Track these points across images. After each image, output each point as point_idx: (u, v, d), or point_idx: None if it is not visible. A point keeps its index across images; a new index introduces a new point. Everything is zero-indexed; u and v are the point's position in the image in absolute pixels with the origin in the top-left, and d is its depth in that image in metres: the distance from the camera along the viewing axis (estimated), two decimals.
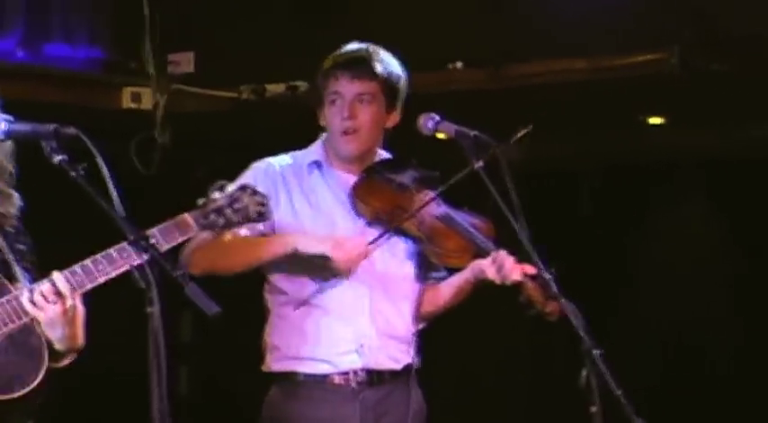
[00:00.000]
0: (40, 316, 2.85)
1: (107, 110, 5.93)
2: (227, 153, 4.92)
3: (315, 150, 3.75)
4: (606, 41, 5.17)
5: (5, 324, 2.84)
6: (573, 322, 3.17)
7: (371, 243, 3.58)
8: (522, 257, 3.48)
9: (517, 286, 3.51)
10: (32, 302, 2.84)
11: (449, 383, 6.36)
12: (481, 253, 3.60)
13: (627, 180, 7.05)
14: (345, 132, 3.65)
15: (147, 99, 5.96)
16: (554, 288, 3.27)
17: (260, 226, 3.04)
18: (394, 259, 3.71)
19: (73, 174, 2.73)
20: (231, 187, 2.96)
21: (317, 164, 3.72)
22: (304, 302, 3.64)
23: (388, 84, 3.67)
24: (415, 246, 3.70)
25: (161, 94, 5.94)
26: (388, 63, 3.68)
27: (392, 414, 3.67)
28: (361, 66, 3.64)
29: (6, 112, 2.90)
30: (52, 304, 2.84)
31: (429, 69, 5.39)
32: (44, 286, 2.85)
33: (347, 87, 3.64)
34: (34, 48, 5.74)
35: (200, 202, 2.93)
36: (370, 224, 3.66)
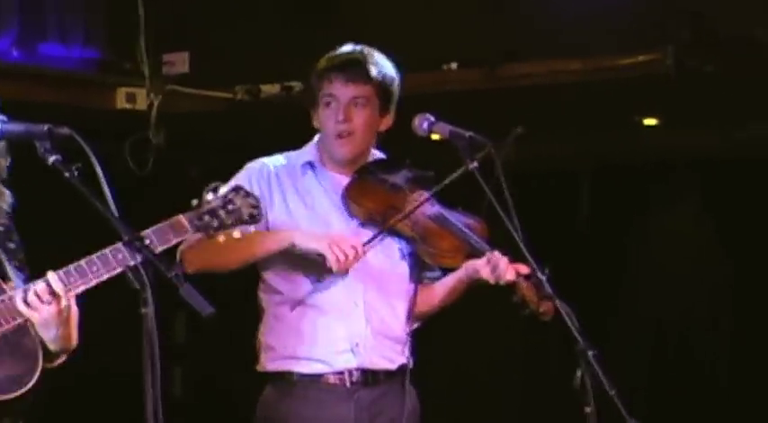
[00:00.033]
0: (35, 316, 2.84)
1: (101, 110, 5.92)
2: (222, 153, 4.92)
3: (308, 151, 3.75)
4: (601, 42, 5.17)
5: (0, 325, 2.84)
6: (567, 323, 3.18)
7: (366, 244, 3.58)
8: (515, 257, 3.48)
9: (511, 286, 3.51)
10: (26, 303, 2.83)
11: (443, 383, 6.36)
12: (475, 253, 3.60)
13: (621, 180, 7.05)
14: (340, 135, 3.65)
15: (142, 99, 5.96)
16: (547, 288, 3.28)
17: (251, 228, 3.05)
18: (388, 259, 3.71)
19: (67, 174, 2.73)
20: (224, 189, 2.96)
21: (311, 164, 3.72)
22: (299, 302, 3.64)
23: (382, 87, 3.67)
24: (408, 246, 3.71)
25: (155, 95, 5.94)
26: (382, 66, 3.68)
27: (387, 414, 3.67)
28: (357, 69, 3.64)
29: (0, 112, 2.90)
30: (47, 304, 2.83)
31: (424, 70, 5.39)
32: (39, 286, 2.84)
33: (342, 90, 3.64)
34: (29, 48, 5.73)
35: (194, 203, 2.94)
36: (363, 225, 3.66)
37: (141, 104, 5.96)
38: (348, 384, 3.63)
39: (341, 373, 3.63)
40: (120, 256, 2.80)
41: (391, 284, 3.70)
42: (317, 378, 3.63)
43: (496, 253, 3.54)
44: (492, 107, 5.29)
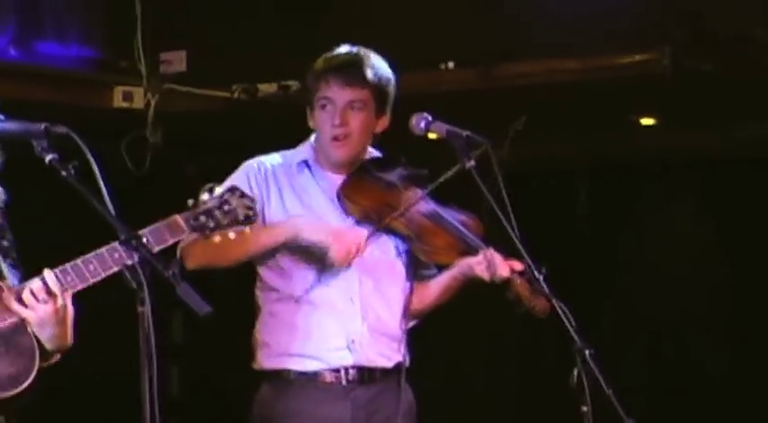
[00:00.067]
0: (30, 315, 2.84)
1: (98, 109, 5.92)
2: (219, 152, 4.92)
3: (304, 150, 3.76)
4: (598, 42, 5.17)
5: None
6: (565, 322, 3.18)
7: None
8: (510, 255, 3.49)
9: (505, 283, 3.52)
10: (21, 301, 2.83)
11: (439, 382, 6.37)
12: (469, 250, 3.61)
13: (619, 180, 7.05)
14: (336, 139, 3.66)
15: (139, 98, 5.96)
16: (542, 285, 3.28)
17: (246, 228, 3.06)
18: (384, 257, 3.71)
19: (64, 173, 2.73)
20: (220, 189, 2.96)
21: (306, 163, 3.73)
22: (295, 299, 3.64)
23: (378, 90, 3.67)
24: (404, 243, 3.71)
25: (153, 94, 5.94)
26: (378, 68, 3.68)
27: (383, 412, 3.68)
28: (353, 72, 3.63)
29: None
30: (42, 303, 2.83)
31: (420, 69, 5.39)
32: (35, 285, 2.84)
33: (338, 94, 3.64)
34: (26, 46, 5.73)
35: (190, 203, 2.94)
36: (358, 223, 3.67)
37: (138, 103, 5.96)
38: (344, 382, 3.63)
39: (337, 370, 3.63)
40: (116, 255, 2.80)
41: (387, 282, 3.71)
42: (312, 376, 3.63)
43: (491, 250, 3.54)
44: (488, 107, 5.28)
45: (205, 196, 2.95)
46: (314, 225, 3.59)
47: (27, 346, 2.88)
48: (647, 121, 6.35)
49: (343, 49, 3.72)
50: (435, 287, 3.76)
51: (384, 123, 3.73)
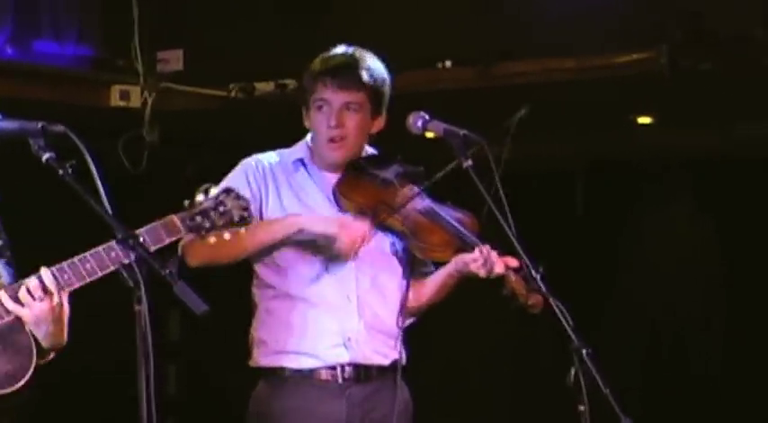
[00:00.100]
0: (26, 313, 2.84)
1: (95, 108, 5.92)
2: (216, 151, 4.93)
3: (299, 149, 3.76)
4: (595, 41, 5.17)
5: None
6: (561, 321, 3.18)
7: None
8: (507, 253, 3.49)
9: (500, 279, 3.52)
10: (17, 299, 2.83)
11: (435, 380, 6.37)
12: (465, 247, 3.61)
13: (616, 179, 7.06)
14: (332, 140, 3.66)
15: (136, 97, 5.95)
16: (538, 281, 3.28)
17: (242, 229, 3.07)
18: (380, 254, 3.71)
19: (61, 171, 2.73)
20: (216, 190, 2.97)
21: (302, 161, 3.73)
22: (291, 296, 3.65)
23: (374, 91, 3.67)
24: (400, 241, 3.71)
25: (150, 92, 5.94)
26: (374, 70, 3.69)
27: (379, 410, 3.68)
28: (349, 74, 3.64)
29: None
30: (38, 301, 2.83)
31: (418, 68, 5.39)
32: (31, 283, 2.84)
33: (334, 96, 3.64)
34: (23, 45, 5.73)
35: (186, 204, 2.94)
36: (354, 220, 3.66)
37: (135, 102, 5.95)
38: (340, 380, 3.63)
39: (333, 367, 3.63)
40: (113, 254, 2.80)
41: (384, 279, 3.71)
42: (308, 373, 3.63)
43: (487, 246, 3.55)
44: (486, 106, 5.29)
45: (201, 197, 2.95)
46: (315, 218, 3.60)
47: (24, 343, 2.88)
48: (644, 120, 6.35)
49: (340, 49, 3.72)
50: (431, 284, 3.76)
51: (380, 124, 3.74)
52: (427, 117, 3.55)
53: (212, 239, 2.97)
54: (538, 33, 5.27)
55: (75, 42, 5.88)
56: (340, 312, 3.65)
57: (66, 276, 2.84)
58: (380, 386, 3.69)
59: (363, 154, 3.77)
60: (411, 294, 3.74)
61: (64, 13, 5.86)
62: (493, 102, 5.48)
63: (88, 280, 2.84)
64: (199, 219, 2.93)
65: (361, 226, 3.57)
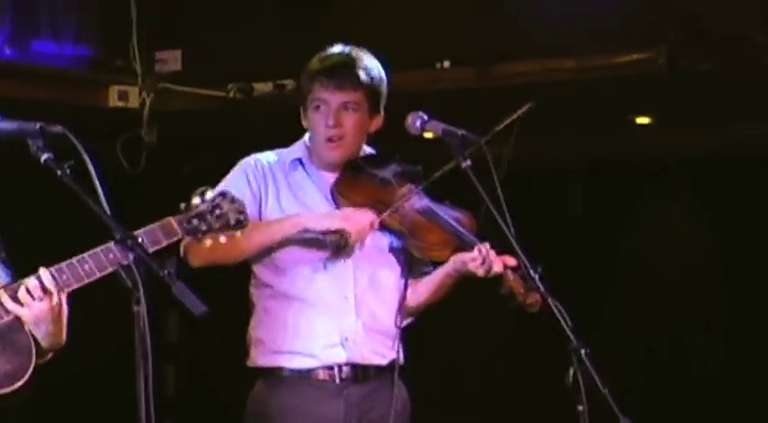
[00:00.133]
0: (26, 313, 2.85)
1: (94, 108, 5.92)
2: (215, 152, 4.93)
3: (297, 149, 3.76)
4: (594, 41, 5.17)
5: None
6: (560, 321, 3.18)
7: None
8: (504, 251, 3.49)
9: (498, 278, 3.52)
10: (17, 299, 2.83)
11: (433, 380, 6.36)
12: (463, 246, 3.61)
13: (614, 179, 7.06)
14: (330, 140, 3.66)
15: (134, 97, 5.95)
16: (537, 282, 3.29)
17: (238, 233, 3.07)
18: (378, 253, 3.71)
19: (59, 172, 2.73)
20: (212, 193, 2.97)
21: (300, 161, 3.73)
22: (289, 296, 3.64)
23: (371, 90, 3.67)
24: (398, 240, 3.71)
25: (148, 93, 5.94)
26: (371, 69, 3.69)
27: (377, 410, 3.67)
28: (346, 74, 3.64)
29: None
30: (38, 301, 2.84)
31: (417, 68, 5.39)
32: (30, 283, 2.85)
33: (332, 96, 3.65)
34: (21, 45, 5.73)
35: (183, 207, 2.94)
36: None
37: (134, 102, 5.95)
38: (338, 380, 3.63)
39: (330, 367, 3.63)
40: (111, 255, 2.80)
41: (382, 278, 3.71)
42: (306, 373, 3.62)
43: (486, 245, 3.54)
44: (485, 106, 5.28)
45: (197, 200, 2.96)
46: (317, 216, 3.60)
47: (24, 343, 2.89)
48: (642, 120, 6.35)
49: (336, 49, 3.72)
50: (430, 284, 3.75)
51: (378, 123, 3.74)
52: (426, 117, 3.55)
53: (208, 242, 2.98)
54: (537, 33, 5.27)
55: (73, 43, 5.88)
56: (337, 312, 3.65)
57: (64, 277, 2.84)
58: (378, 386, 3.68)
59: (361, 153, 3.77)
60: (409, 294, 3.74)
61: (62, 14, 5.86)
62: (492, 102, 5.48)
63: (86, 281, 2.85)
64: (195, 221, 2.94)
65: (365, 214, 3.57)
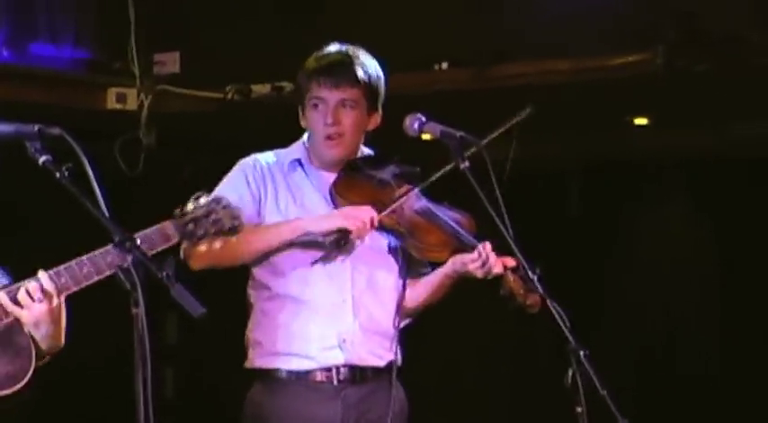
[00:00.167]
0: (25, 314, 2.85)
1: (92, 110, 5.92)
2: (213, 153, 4.92)
3: (296, 150, 3.76)
4: (591, 42, 5.17)
5: None
6: (559, 322, 3.18)
7: None
8: (503, 252, 3.50)
9: (498, 280, 3.52)
10: (17, 301, 2.84)
11: (432, 381, 6.37)
12: (462, 247, 3.61)
13: (611, 180, 7.06)
14: (329, 138, 3.66)
15: (133, 99, 5.96)
16: (536, 284, 3.29)
17: (233, 238, 3.09)
18: (376, 254, 3.71)
19: (58, 174, 2.73)
20: (207, 199, 2.98)
21: (299, 162, 3.73)
22: (287, 297, 3.64)
23: (369, 88, 3.68)
24: (397, 240, 3.71)
25: (146, 95, 5.94)
26: (368, 66, 3.69)
27: (374, 412, 3.67)
28: (344, 72, 3.64)
29: None
30: (38, 302, 2.84)
31: (414, 70, 5.39)
32: (30, 285, 2.85)
33: (330, 94, 3.65)
34: (19, 47, 5.73)
35: (177, 212, 2.95)
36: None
37: (132, 104, 5.96)
38: (335, 382, 3.63)
39: (328, 369, 3.63)
40: (109, 258, 2.80)
41: (379, 279, 3.71)
42: (304, 375, 3.63)
43: (487, 245, 3.54)
44: (482, 107, 5.29)
45: (191, 205, 2.97)
46: (317, 218, 3.61)
47: (23, 345, 2.89)
48: (640, 121, 6.36)
49: (333, 47, 3.72)
50: (428, 285, 3.75)
51: (376, 120, 3.74)
52: (423, 119, 3.55)
53: (203, 248, 3.00)
54: (534, 35, 5.27)
55: (71, 45, 5.88)
56: (335, 314, 3.65)
57: (63, 280, 2.85)
58: (376, 387, 3.68)
59: (360, 154, 3.77)
60: (407, 294, 3.74)
61: (60, 16, 5.86)
62: (489, 103, 5.48)
63: (85, 284, 2.85)
64: (191, 226, 2.95)
65: (365, 210, 3.57)
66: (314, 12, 5.62)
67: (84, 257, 2.84)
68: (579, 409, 3.12)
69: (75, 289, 2.86)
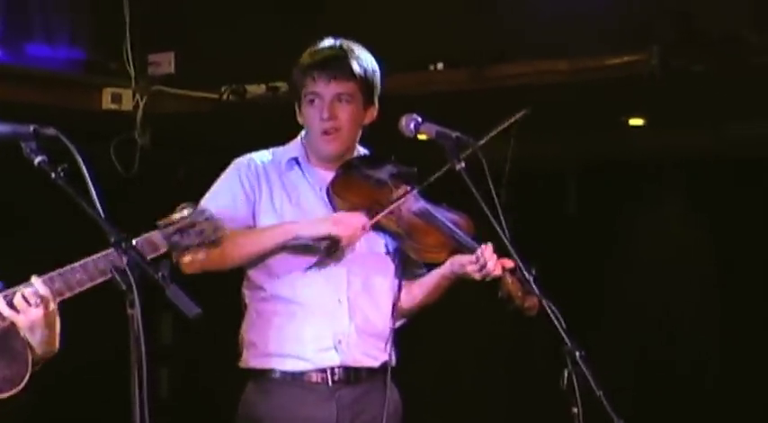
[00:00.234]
0: (21, 319, 2.85)
1: (87, 111, 5.92)
2: (208, 154, 4.91)
3: (293, 148, 3.75)
4: (587, 42, 5.17)
5: None
6: (555, 323, 3.18)
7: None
8: (500, 254, 3.49)
9: (496, 282, 3.51)
10: (12, 306, 2.83)
11: (428, 382, 6.36)
12: (460, 249, 3.60)
13: (610, 180, 7.06)
14: (326, 132, 3.65)
15: (128, 100, 5.95)
16: (532, 284, 3.28)
17: (217, 250, 3.09)
18: (373, 255, 3.70)
19: (53, 175, 2.73)
20: (189, 210, 2.99)
21: (296, 161, 3.72)
22: (282, 298, 3.64)
23: (365, 81, 3.67)
24: (394, 241, 3.70)
25: (141, 95, 5.94)
26: (363, 60, 3.68)
27: (369, 412, 3.66)
28: (339, 66, 3.63)
29: None
30: (34, 307, 2.84)
31: (410, 70, 5.39)
32: (26, 290, 2.85)
33: (325, 88, 3.64)
34: (14, 48, 5.72)
35: (161, 223, 2.95)
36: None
37: (127, 105, 5.95)
38: (330, 383, 3.62)
39: (323, 370, 3.62)
40: (102, 265, 2.81)
41: (375, 280, 3.70)
42: (299, 375, 3.62)
43: (489, 247, 3.53)
44: (479, 108, 5.28)
45: (176, 216, 2.97)
46: (307, 222, 3.59)
47: (20, 349, 2.90)
48: (635, 122, 6.36)
49: (327, 42, 3.71)
50: (424, 286, 3.75)
51: (372, 114, 3.73)
52: (419, 119, 3.54)
53: (187, 258, 3.01)
54: (530, 35, 5.27)
55: (66, 45, 5.88)
56: (331, 315, 3.64)
57: (56, 285, 2.85)
58: (370, 388, 3.68)
59: (356, 154, 3.76)
60: (403, 295, 3.73)
61: (55, 16, 5.85)
62: (486, 104, 5.48)
63: (78, 290, 2.86)
64: (176, 237, 2.95)
65: (356, 217, 3.56)
66: (309, 12, 5.62)
67: (78, 264, 2.84)
68: (575, 410, 3.12)
69: (68, 294, 2.87)
